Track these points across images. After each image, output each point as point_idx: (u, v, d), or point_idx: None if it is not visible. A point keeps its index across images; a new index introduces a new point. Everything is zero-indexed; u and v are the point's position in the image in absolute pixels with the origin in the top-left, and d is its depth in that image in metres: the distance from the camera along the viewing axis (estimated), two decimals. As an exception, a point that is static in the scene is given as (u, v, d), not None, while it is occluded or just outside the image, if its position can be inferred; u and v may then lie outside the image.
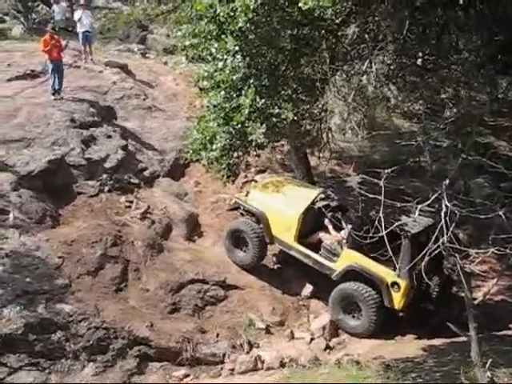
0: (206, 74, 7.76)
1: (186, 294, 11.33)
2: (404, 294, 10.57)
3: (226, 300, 11.61)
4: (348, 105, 8.39)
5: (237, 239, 12.22)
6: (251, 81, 7.48)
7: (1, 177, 11.96)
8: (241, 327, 11.12)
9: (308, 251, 11.58)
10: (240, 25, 7.10)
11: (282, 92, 7.84)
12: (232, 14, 7.15)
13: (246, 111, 7.34)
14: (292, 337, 11.25)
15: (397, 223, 8.91)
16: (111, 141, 14.45)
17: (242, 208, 12.51)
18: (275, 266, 12.74)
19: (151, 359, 10.05)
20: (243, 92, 7.51)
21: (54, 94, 15.72)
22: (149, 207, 13.05)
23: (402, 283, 10.51)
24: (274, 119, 7.41)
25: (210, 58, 7.69)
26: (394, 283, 10.59)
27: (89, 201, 12.66)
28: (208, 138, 8.09)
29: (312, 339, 11.18)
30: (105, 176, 13.36)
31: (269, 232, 11.89)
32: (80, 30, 19.68)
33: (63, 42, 16.32)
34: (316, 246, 11.69)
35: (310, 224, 11.80)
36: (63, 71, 16.08)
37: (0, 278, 9.92)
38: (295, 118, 7.66)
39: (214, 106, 7.76)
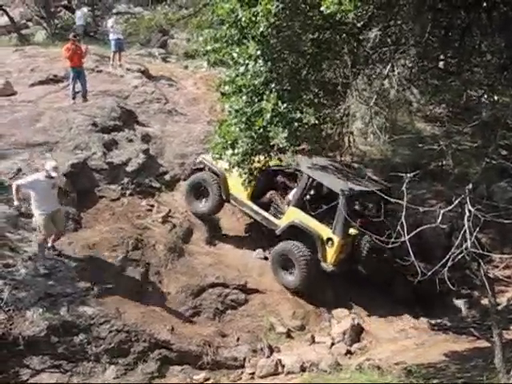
0: (227, 78, 7.77)
1: (207, 298, 11.34)
2: (337, 249, 11.41)
3: (247, 304, 11.60)
4: (370, 109, 8.35)
5: (198, 191, 13.18)
6: (273, 85, 7.47)
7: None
8: (261, 331, 11.11)
9: (258, 209, 12.52)
10: (261, 29, 7.10)
11: (304, 96, 7.82)
12: (253, 18, 7.14)
13: (268, 116, 7.33)
14: (313, 341, 11.21)
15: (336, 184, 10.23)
16: (132, 145, 14.54)
17: (206, 167, 13.36)
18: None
19: (172, 362, 10.05)
20: (265, 96, 7.50)
21: (73, 99, 15.92)
22: (170, 211, 13.10)
23: (336, 239, 11.34)
24: (296, 124, 7.39)
25: (231, 63, 7.70)
26: (329, 239, 11.41)
27: (110, 204, 12.75)
28: (230, 142, 8.10)
29: (333, 344, 11.14)
30: (126, 180, 13.46)
31: (226, 189, 12.81)
32: (113, 37, 19.99)
33: (83, 47, 16.53)
34: (267, 205, 12.63)
35: (264, 185, 12.59)
36: (85, 76, 16.27)
37: (23, 281, 10.00)
38: (317, 122, 7.62)
39: (236, 111, 7.76)
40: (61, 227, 10.63)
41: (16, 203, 10.18)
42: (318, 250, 11.59)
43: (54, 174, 10.08)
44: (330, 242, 11.45)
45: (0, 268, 10.02)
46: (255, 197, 12.61)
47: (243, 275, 12.01)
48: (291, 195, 12.32)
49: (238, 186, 12.12)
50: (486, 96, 8.38)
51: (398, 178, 7.58)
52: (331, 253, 11.50)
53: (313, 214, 11.62)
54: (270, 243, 12.71)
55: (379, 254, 11.54)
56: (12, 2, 28.34)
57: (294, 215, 11.91)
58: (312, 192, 12.21)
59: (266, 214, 12.46)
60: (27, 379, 8.99)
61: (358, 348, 11.14)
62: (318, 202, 11.94)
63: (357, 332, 11.40)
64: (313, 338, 11.24)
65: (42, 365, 9.24)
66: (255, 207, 12.57)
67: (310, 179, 11.88)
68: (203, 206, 13.23)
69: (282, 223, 12.13)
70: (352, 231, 11.46)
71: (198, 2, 16.15)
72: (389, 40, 7.98)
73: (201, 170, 13.73)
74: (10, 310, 9.32)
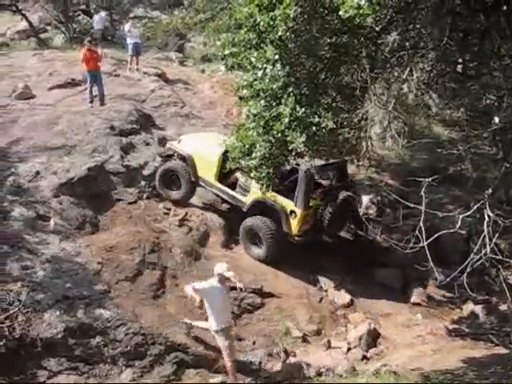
0: (245, 82, 7.77)
1: (223, 301, 11.32)
2: (299, 220, 12.14)
3: (263, 308, 11.56)
4: (388, 113, 8.30)
5: (169, 179, 13.63)
6: (291, 89, 7.45)
7: (43, 183, 12.21)
8: (277, 335, 11.06)
9: (226, 188, 13.23)
10: (280, 34, 7.09)
11: (322, 100, 7.80)
12: (272, 22, 7.13)
13: (286, 120, 7.32)
14: (329, 346, 11.14)
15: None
16: (149, 148, 14.65)
17: (174, 153, 14.01)
18: (312, 275, 12.68)
19: (188, 366, 10.00)
20: (283, 101, 7.49)
21: (91, 103, 16.06)
22: (186, 214, 13.14)
23: (298, 211, 12.06)
24: (314, 128, 7.37)
25: (249, 67, 7.70)
26: (292, 211, 12.14)
27: (128, 207, 12.84)
28: (247, 146, 8.10)
29: (349, 349, 11.05)
30: (143, 183, 13.56)
31: (195, 172, 13.46)
32: (130, 41, 20.17)
33: (99, 51, 16.68)
34: (233, 185, 13.30)
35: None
36: (102, 80, 16.41)
37: (41, 283, 10.06)
38: (334, 126, 7.59)
39: (254, 115, 7.76)
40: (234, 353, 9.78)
41: (197, 303, 9.72)
42: (283, 223, 12.30)
43: (228, 274, 9.37)
44: (293, 214, 12.16)
45: (18, 270, 10.10)
46: (222, 178, 13.27)
47: (259, 279, 11.99)
48: None
49: (204, 168, 13.31)
50: (505, 100, 8.29)
51: (416, 182, 7.54)
52: (295, 224, 12.21)
53: (276, 189, 12.24)
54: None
55: (341, 222, 12.77)
56: (31, 7, 28.67)
57: (258, 193, 12.40)
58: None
59: (233, 192, 13.18)
60: (44, 381, 8.99)
61: (375, 353, 11.06)
62: (282, 178, 12.55)
63: (373, 337, 11.32)
64: (329, 342, 11.18)
65: (59, 367, 9.24)
66: (223, 187, 13.26)
67: None
68: (176, 193, 13.66)
69: (248, 200, 12.86)
70: (313, 203, 12.32)
71: (215, 6, 16.21)
72: (407, 44, 7.93)
73: (171, 156, 14.26)
74: (28, 311, 9.36)
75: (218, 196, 13.74)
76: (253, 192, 12.68)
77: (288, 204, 12.25)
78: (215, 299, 9.38)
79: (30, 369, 9.02)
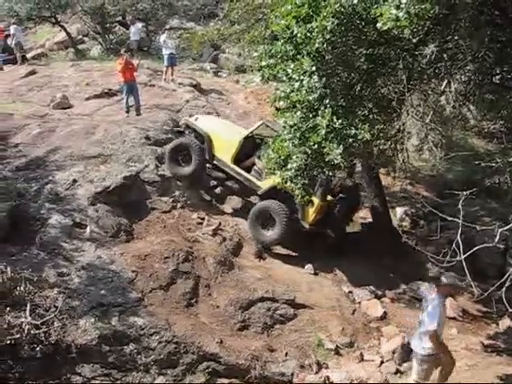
0: (282, 94, 7.80)
1: (256, 312, 11.30)
2: (315, 210, 12.65)
3: (295, 319, 11.49)
4: (426, 125, 8.22)
5: (180, 155, 13.96)
6: (327, 101, 7.44)
7: (79, 191, 12.40)
8: (310, 347, 10.99)
9: (241, 170, 13.69)
10: (317, 45, 7.10)
11: (358, 112, 7.78)
12: (309, 34, 7.16)
13: (323, 132, 7.31)
14: (361, 359, 11.02)
15: None
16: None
17: (190, 129, 14.40)
18: (345, 287, 12.60)
19: (220, 375, 10.04)
20: (319, 112, 7.49)
21: (127, 113, 16.28)
22: (220, 224, 13.19)
23: (316, 201, 12.23)
24: (351, 140, 7.35)
25: (285, 79, 7.72)
26: (310, 201, 11.77)
27: (162, 216, 12.93)
28: (283, 157, 8.11)
29: (382, 362, 10.90)
30: (177, 193, 13.65)
31: (211, 150, 13.86)
32: (165, 52, 20.45)
33: (135, 62, 16.93)
34: (249, 168, 13.78)
35: (246, 151, 13.91)
36: (138, 90, 16.64)
37: (76, 290, 10.23)
38: (371, 138, 7.55)
39: (291, 126, 7.77)
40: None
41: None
42: (300, 210, 12.83)
43: None
44: (310, 204, 12.21)
45: (55, 276, 10.29)
46: (238, 160, 13.78)
47: (292, 290, 11.95)
48: None
49: (222, 149, 13.80)
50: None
51: (451, 194, 7.45)
52: (310, 213, 12.78)
53: None
54: (320, 258, 12.69)
55: (347, 219, 13.63)
56: (69, 19, 29.26)
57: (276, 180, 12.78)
58: None
59: (248, 175, 13.64)
60: (78, 386, 9.15)
61: (409, 368, 10.88)
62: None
63: (407, 351, 11.13)
64: (361, 355, 11.06)
65: (93, 373, 9.38)
66: (238, 169, 13.70)
67: None
68: (186, 169, 13.96)
69: (264, 186, 13.26)
70: (329, 198, 12.96)
71: (250, 18, 16.31)
72: (445, 55, 7.86)
73: (182, 133, 14.74)
74: (63, 317, 9.51)
75: (229, 177, 14.19)
76: (270, 178, 12.89)
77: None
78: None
79: (64, 374, 9.19)
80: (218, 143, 13.86)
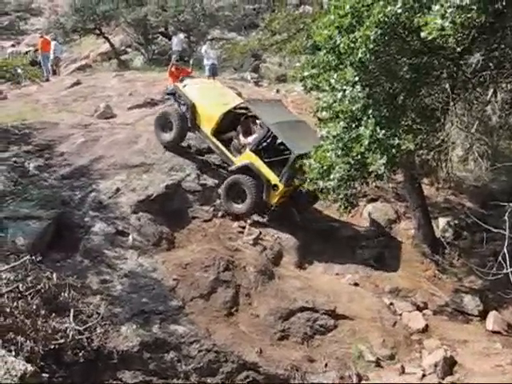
0: (324, 104, 7.79)
1: (296, 322, 11.24)
2: (279, 194, 13.28)
3: (336, 330, 11.39)
4: (471, 136, 8.10)
5: (164, 123, 14.64)
6: (370, 111, 7.41)
7: (122, 200, 12.59)
8: (350, 358, 10.86)
9: (219, 144, 14.12)
10: (360, 55, 7.09)
11: (402, 122, 7.71)
12: (352, 44, 7.15)
13: (366, 142, 7.27)
14: (403, 371, 10.84)
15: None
16: (225, 167, 14.81)
17: (177, 94, 14.97)
18: (386, 298, 12.45)
19: (259, 385, 10.06)
20: (362, 122, 7.46)
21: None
22: (260, 233, 13.20)
23: (281, 186, 13.10)
24: (394, 150, 7.28)
25: (328, 89, 7.71)
26: (275, 185, 13.20)
27: (203, 225, 13.01)
28: (325, 167, 8.09)
29: (424, 375, 10.72)
30: (218, 202, 13.73)
31: (193, 120, 14.33)
32: (207, 62, 20.75)
33: (189, 70, 17.28)
34: (227, 143, 14.23)
35: (227, 124, 14.29)
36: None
37: (119, 297, 10.38)
38: (414, 148, 7.48)
39: (333, 137, 7.75)
40: None
41: None
42: (265, 192, 13.35)
43: None
44: (275, 187, 13.24)
45: (98, 283, 10.46)
46: (218, 133, 14.19)
47: (332, 300, 11.85)
48: (251, 139, 13.94)
49: (204, 120, 14.23)
50: None
51: (495, 205, 7.31)
52: (274, 196, 13.37)
53: (265, 161, 13.37)
54: (361, 268, 12.58)
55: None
56: (113, 30, 29.80)
57: (249, 158, 13.56)
58: (268, 141, 13.74)
59: (225, 149, 14.08)
60: (119, 393, 9.25)
61: (451, 381, 10.71)
62: (272, 150, 13.62)
63: (449, 364, 10.94)
64: (403, 368, 10.88)
65: (134, 379, 9.47)
66: (217, 142, 14.13)
67: (270, 132, 13.46)
68: (168, 135, 14.58)
69: (237, 162, 13.76)
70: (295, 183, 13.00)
71: (290, 28, 16.36)
72: (491, 64, 7.74)
73: (174, 94, 15.23)
74: (106, 324, 9.63)
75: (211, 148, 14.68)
76: (244, 156, 13.69)
77: (274, 178, 13.20)
78: None
79: (105, 380, 9.31)
80: (202, 113, 14.30)
